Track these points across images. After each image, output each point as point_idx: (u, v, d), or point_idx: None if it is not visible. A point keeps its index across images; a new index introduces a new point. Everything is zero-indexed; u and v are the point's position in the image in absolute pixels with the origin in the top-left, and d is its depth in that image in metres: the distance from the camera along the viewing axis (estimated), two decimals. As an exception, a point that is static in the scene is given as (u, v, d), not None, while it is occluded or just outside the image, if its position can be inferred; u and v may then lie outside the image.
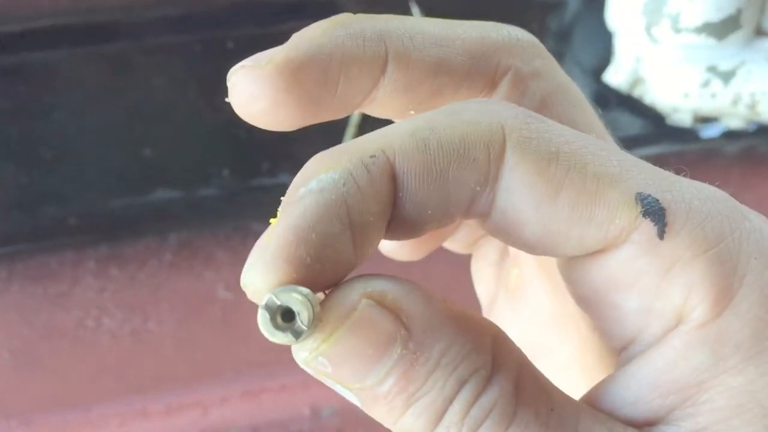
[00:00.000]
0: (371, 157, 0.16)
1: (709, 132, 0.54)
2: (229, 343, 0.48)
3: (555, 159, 0.15)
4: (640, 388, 0.15)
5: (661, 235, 0.15)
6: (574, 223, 0.15)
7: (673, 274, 0.15)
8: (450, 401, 0.15)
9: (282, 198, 0.17)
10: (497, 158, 0.15)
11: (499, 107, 0.16)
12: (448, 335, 0.15)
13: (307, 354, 0.16)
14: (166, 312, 0.48)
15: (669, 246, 0.15)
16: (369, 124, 0.55)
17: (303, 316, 0.15)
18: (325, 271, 0.16)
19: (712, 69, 0.51)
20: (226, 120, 0.54)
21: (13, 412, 0.46)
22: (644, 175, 0.16)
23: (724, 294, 0.15)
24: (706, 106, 0.53)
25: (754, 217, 0.16)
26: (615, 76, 0.54)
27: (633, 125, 0.56)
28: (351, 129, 0.52)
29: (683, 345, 0.15)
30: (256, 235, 0.54)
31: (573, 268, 0.17)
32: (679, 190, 0.16)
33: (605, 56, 0.57)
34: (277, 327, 0.16)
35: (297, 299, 0.15)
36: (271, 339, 0.16)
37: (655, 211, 0.15)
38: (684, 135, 0.55)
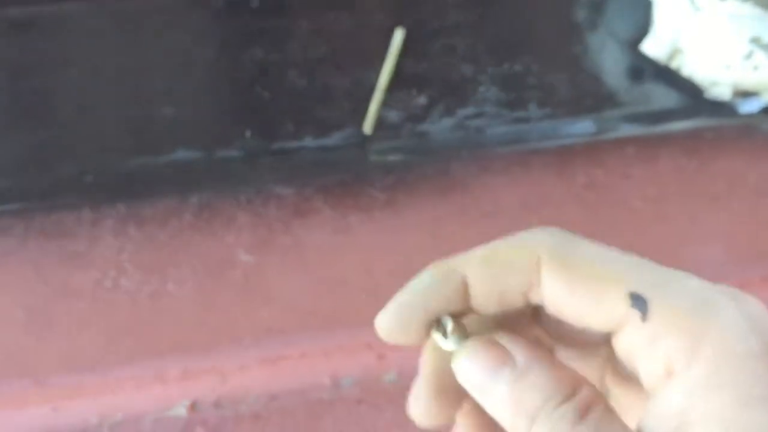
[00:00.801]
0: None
1: (749, 107, 0.52)
2: (249, 308, 0.46)
3: (575, 268, 0.23)
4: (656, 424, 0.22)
5: (643, 318, 0.22)
6: (593, 311, 0.23)
7: (656, 345, 0.22)
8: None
9: None
10: (536, 267, 0.24)
11: (541, 234, 0.25)
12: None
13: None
14: (185, 274, 0.47)
15: (651, 326, 0.22)
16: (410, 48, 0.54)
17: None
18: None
19: (756, 40, 0.49)
20: (249, 80, 0.53)
21: (27, 372, 0.45)
22: (640, 276, 0.23)
23: (691, 354, 0.21)
24: (748, 80, 0.51)
25: (724, 304, 0.22)
26: (652, 47, 0.53)
27: (669, 98, 0.54)
28: (394, 50, 0.51)
29: (666, 393, 0.22)
30: (280, 198, 0.53)
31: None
32: (663, 287, 0.22)
33: (642, 26, 0.56)
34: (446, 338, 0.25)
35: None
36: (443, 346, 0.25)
37: (639, 304, 0.22)
38: (722, 109, 0.53)
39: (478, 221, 0.49)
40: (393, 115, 0.53)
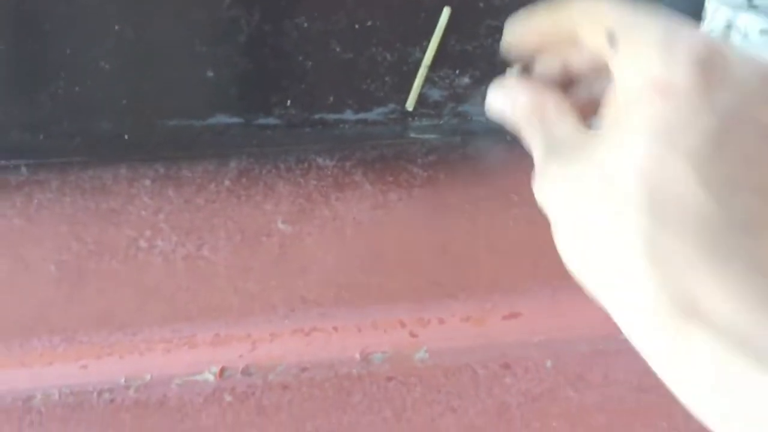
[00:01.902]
0: None
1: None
2: (284, 278, 0.46)
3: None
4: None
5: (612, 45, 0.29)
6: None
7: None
8: None
9: None
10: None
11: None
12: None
13: None
14: (221, 239, 0.46)
15: (615, 50, 0.29)
16: (456, 27, 0.53)
17: None
18: None
19: (808, 39, 0.49)
20: (292, 48, 0.52)
21: (56, 328, 0.44)
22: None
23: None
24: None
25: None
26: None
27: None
28: (440, 28, 0.50)
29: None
30: (320, 169, 0.52)
31: None
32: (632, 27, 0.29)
33: (692, 19, 0.55)
34: None
35: None
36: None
37: (610, 38, 0.29)
38: None
39: (516, 206, 0.49)
40: (435, 94, 0.52)
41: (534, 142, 0.34)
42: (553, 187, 0.31)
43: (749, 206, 0.26)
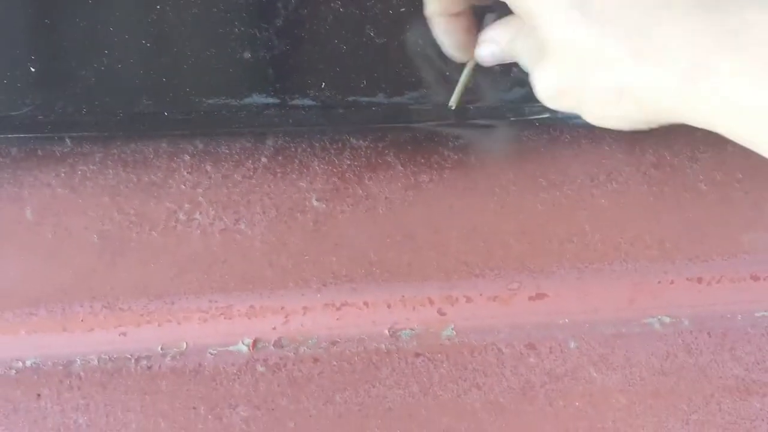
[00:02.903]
0: None
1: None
2: (317, 254, 0.47)
3: None
4: None
5: None
6: None
7: None
8: None
9: None
10: None
11: None
12: None
13: None
14: (257, 214, 0.47)
15: None
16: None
17: None
18: None
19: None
20: (327, 32, 0.53)
21: (98, 295, 0.45)
22: None
23: None
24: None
25: None
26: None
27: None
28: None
29: None
30: (353, 149, 0.54)
31: None
32: None
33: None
34: None
35: None
36: None
37: None
38: None
39: (545, 190, 0.50)
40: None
41: (524, 57, 0.40)
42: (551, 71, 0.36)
43: None
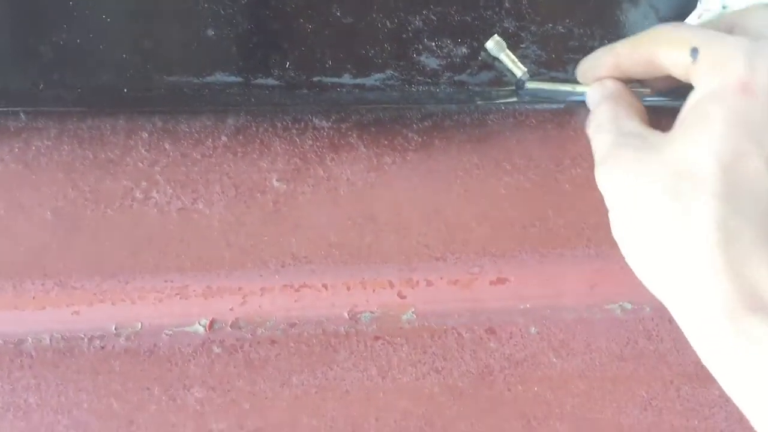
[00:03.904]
0: None
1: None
2: (277, 235, 0.46)
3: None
4: None
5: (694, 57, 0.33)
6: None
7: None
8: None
9: None
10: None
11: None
12: None
13: None
14: (216, 194, 0.47)
15: (696, 62, 0.33)
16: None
17: None
18: None
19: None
20: (293, 10, 0.52)
21: (50, 272, 0.44)
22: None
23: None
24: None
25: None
26: (697, 22, 0.53)
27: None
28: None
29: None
30: (316, 130, 0.53)
31: None
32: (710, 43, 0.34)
33: (687, 2, 0.56)
34: None
35: None
36: None
37: (693, 52, 0.34)
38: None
39: (508, 174, 0.49)
40: (432, 62, 0.53)
41: (603, 129, 0.36)
42: (621, 176, 0.32)
43: None
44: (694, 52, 0.33)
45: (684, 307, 0.28)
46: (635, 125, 0.35)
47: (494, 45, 0.52)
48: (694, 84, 0.33)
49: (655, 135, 0.34)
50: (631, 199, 0.31)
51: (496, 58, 0.52)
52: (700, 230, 0.27)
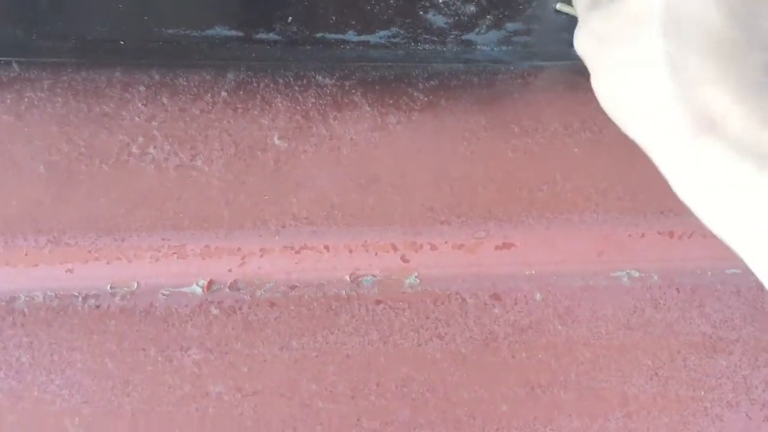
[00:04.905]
0: None
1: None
2: (278, 194, 0.45)
3: None
4: None
5: None
6: None
7: None
8: None
9: None
10: None
11: None
12: None
13: None
14: (215, 151, 0.45)
15: None
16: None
17: None
18: None
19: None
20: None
21: (43, 228, 0.43)
22: None
23: None
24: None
25: None
26: None
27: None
28: None
29: None
30: (319, 87, 0.51)
31: None
32: None
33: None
34: None
35: None
36: None
37: None
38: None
39: (516, 137, 0.48)
40: (439, 21, 0.51)
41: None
42: (590, 36, 0.34)
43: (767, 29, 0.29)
44: None
45: (653, 140, 0.31)
46: None
47: None
48: None
49: None
50: (601, 55, 0.34)
51: None
52: (655, 68, 0.30)
